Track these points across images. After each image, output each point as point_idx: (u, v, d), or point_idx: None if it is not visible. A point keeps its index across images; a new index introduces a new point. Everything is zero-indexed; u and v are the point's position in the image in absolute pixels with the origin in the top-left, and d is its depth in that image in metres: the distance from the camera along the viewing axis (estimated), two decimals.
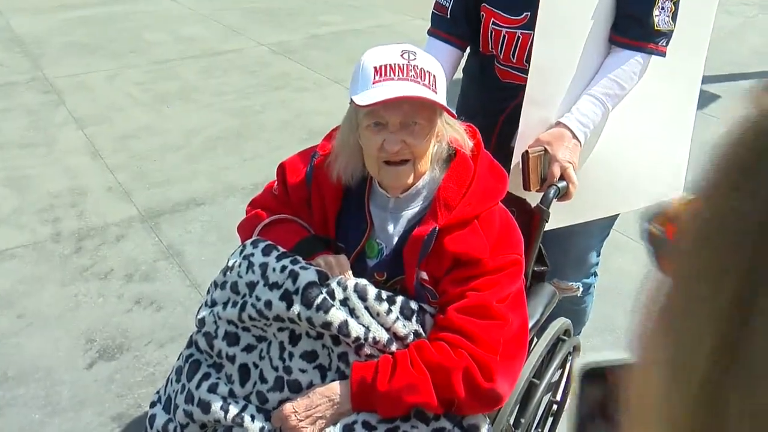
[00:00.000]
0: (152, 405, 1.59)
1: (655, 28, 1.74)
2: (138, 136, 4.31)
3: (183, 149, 4.17)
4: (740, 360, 0.32)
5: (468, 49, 2.01)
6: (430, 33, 1.98)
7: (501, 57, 1.87)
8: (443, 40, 1.94)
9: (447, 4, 1.93)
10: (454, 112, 1.45)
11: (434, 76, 1.39)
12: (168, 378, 1.60)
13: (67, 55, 5.73)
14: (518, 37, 1.81)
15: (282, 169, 1.66)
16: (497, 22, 1.84)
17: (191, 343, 1.57)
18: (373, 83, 1.37)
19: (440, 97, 1.39)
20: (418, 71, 1.37)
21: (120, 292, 2.89)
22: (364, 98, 1.34)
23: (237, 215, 3.38)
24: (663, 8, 1.73)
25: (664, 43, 1.77)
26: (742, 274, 0.32)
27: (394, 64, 1.38)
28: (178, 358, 1.60)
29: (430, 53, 1.47)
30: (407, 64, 1.38)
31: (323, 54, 5.95)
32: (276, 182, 1.69)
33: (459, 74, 2.09)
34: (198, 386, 1.48)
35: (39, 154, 4.06)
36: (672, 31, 1.77)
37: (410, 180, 1.47)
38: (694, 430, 0.34)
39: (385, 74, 1.37)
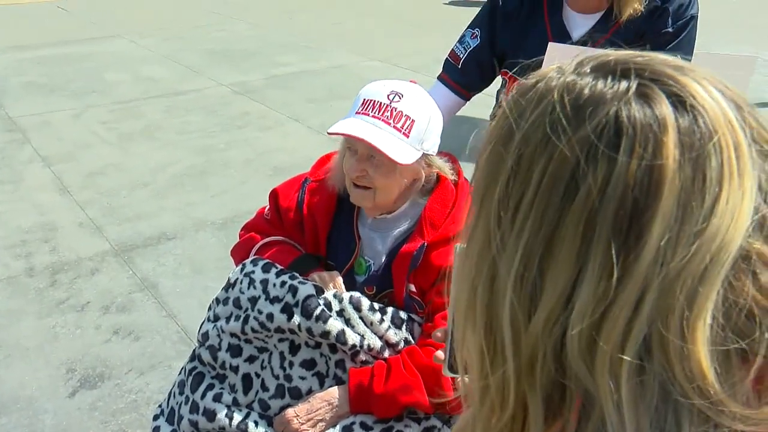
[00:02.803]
0: (155, 418, 1.69)
1: None
2: (105, 173, 4.38)
3: (150, 186, 4.25)
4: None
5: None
6: (439, 77, 2.12)
7: None
8: (448, 87, 2.07)
9: (461, 56, 2.05)
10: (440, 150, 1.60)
11: (413, 121, 1.51)
12: (170, 392, 1.70)
13: (28, 95, 5.77)
14: None
15: (275, 194, 1.79)
16: None
17: (194, 357, 1.68)
18: (356, 113, 1.53)
19: (410, 140, 1.50)
20: (395, 114, 1.51)
21: (98, 323, 2.94)
22: (337, 125, 1.51)
23: (208, 249, 3.53)
24: None
25: None
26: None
27: (377, 102, 1.53)
28: (180, 372, 1.70)
29: (433, 96, 1.61)
30: (388, 105, 1.52)
31: (282, 93, 6.11)
32: (268, 207, 1.82)
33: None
34: (203, 396, 1.59)
35: (6, 190, 4.10)
36: None
37: (370, 205, 1.61)
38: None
39: (366, 108, 1.53)
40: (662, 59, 0.58)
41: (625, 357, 0.51)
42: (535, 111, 0.57)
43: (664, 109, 0.53)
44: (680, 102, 0.53)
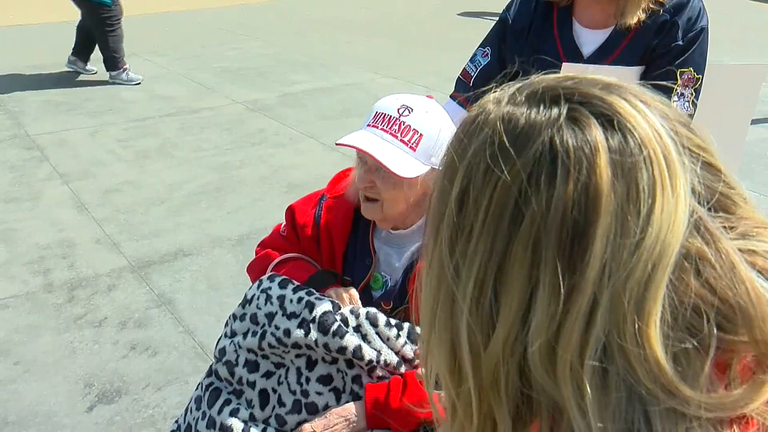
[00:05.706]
0: None
1: None
2: (122, 190, 4.43)
3: (166, 203, 4.29)
4: None
5: None
6: (451, 95, 2.14)
7: None
8: (460, 104, 2.09)
9: (473, 74, 2.08)
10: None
11: (420, 135, 1.53)
12: (187, 407, 1.71)
13: (46, 113, 5.84)
14: None
15: (291, 211, 1.81)
16: None
17: (211, 372, 1.69)
18: (367, 126, 1.57)
19: (417, 154, 1.52)
20: (403, 128, 1.54)
21: (115, 339, 2.97)
22: (345, 137, 1.54)
23: (225, 265, 3.56)
24: (682, 95, 1.84)
25: None
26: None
27: (387, 116, 1.56)
28: (197, 388, 1.71)
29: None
30: (397, 119, 1.55)
31: (296, 111, 6.15)
32: (284, 224, 1.84)
33: None
34: (219, 412, 1.60)
35: (25, 208, 4.15)
36: (692, 115, 1.86)
37: (379, 217, 1.63)
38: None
39: (377, 122, 1.56)
40: (590, 80, 0.60)
41: (585, 365, 0.54)
42: (476, 143, 0.60)
43: (594, 131, 0.55)
44: (609, 122, 0.56)
